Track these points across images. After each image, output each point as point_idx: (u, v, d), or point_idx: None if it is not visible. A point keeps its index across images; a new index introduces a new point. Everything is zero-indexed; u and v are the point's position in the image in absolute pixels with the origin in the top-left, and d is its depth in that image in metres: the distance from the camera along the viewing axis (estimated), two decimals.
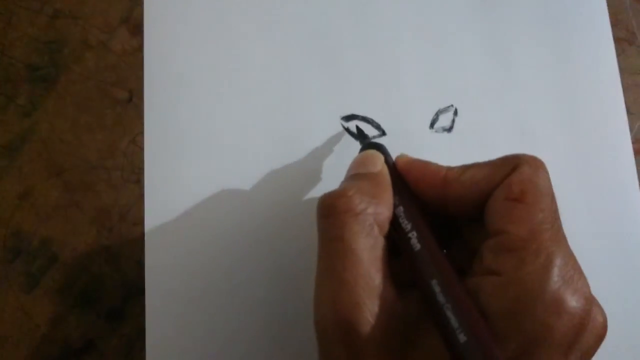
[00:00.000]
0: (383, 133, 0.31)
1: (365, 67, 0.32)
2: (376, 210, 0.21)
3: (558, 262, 0.19)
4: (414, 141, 0.32)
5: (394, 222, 0.22)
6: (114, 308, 0.29)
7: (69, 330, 0.28)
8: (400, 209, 0.22)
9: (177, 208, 0.29)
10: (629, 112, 0.34)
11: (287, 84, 0.31)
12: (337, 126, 0.31)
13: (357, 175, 0.24)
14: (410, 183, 0.24)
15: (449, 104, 0.32)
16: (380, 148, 0.26)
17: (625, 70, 0.34)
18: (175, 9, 0.32)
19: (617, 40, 0.34)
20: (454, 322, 0.18)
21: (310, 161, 0.31)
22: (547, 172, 0.21)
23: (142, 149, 0.30)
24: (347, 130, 0.31)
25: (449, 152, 0.32)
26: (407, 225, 0.22)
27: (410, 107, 0.32)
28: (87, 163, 0.30)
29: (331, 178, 0.30)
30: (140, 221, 0.29)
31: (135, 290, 0.29)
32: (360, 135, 0.30)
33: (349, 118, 0.31)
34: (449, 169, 0.23)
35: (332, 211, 0.21)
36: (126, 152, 0.30)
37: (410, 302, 0.21)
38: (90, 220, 0.29)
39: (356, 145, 0.31)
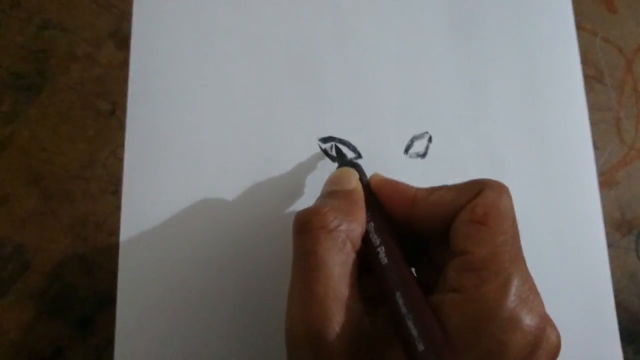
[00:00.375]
0: (359, 156, 0.32)
1: (344, 90, 0.33)
2: (349, 227, 0.22)
3: (515, 282, 0.20)
4: (388, 165, 0.33)
5: (365, 236, 0.23)
6: (85, 317, 0.29)
7: (38, 338, 0.28)
8: (371, 224, 0.23)
9: (154, 221, 0.30)
10: (595, 146, 0.35)
11: (267, 103, 0.32)
12: (314, 147, 0.32)
13: (331, 193, 0.25)
14: (381, 201, 0.25)
15: (424, 131, 0.33)
16: (355, 167, 0.27)
17: (593, 107, 0.36)
18: (162, 26, 0.32)
19: (587, 77, 0.36)
20: (413, 331, 0.19)
21: (286, 178, 0.31)
22: (509, 197, 0.22)
23: (121, 160, 0.30)
24: (324, 151, 0.32)
25: (423, 177, 0.33)
26: (376, 240, 0.23)
27: (386, 132, 0.33)
28: (66, 172, 0.30)
29: (308, 194, 0.31)
30: (115, 232, 0.29)
31: (107, 300, 0.29)
32: (338, 154, 0.31)
33: (326, 140, 0.32)
34: (418, 189, 0.24)
35: (306, 227, 0.22)
36: (106, 164, 0.30)
37: (377, 317, 0.21)
38: (65, 228, 0.30)
39: (334, 164, 0.32)
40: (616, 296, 0.33)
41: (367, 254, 0.23)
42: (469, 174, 0.33)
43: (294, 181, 0.31)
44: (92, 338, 0.29)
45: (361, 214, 0.23)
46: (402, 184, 0.25)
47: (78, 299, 0.29)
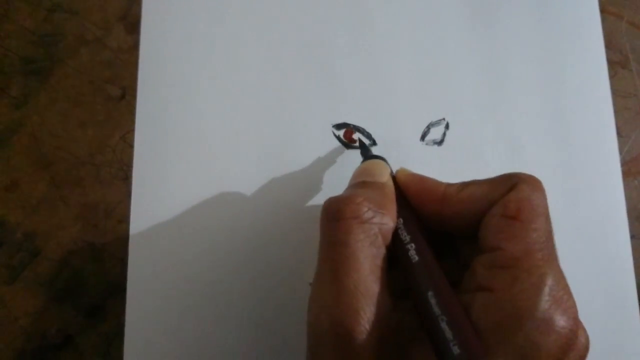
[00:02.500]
0: (374, 143, 0.31)
1: (359, 76, 0.32)
2: (382, 221, 0.21)
3: (549, 282, 0.19)
4: (404, 152, 0.32)
5: (394, 233, 0.22)
6: (95, 305, 0.28)
7: (48, 325, 0.28)
8: (400, 220, 0.22)
9: (164, 207, 0.29)
10: (619, 134, 0.34)
11: (281, 88, 0.32)
12: (329, 134, 0.31)
13: (364, 184, 0.24)
14: (409, 197, 0.24)
15: (441, 118, 0.32)
16: (383, 160, 0.26)
17: (617, 93, 0.34)
18: (172, 9, 0.32)
19: (611, 62, 0.35)
20: (448, 334, 0.18)
21: (299, 167, 0.31)
22: (544, 193, 0.21)
23: (132, 146, 0.30)
24: (338, 137, 0.31)
25: (439, 165, 0.32)
26: (406, 237, 0.22)
27: (402, 119, 0.32)
28: (75, 158, 0.30)
29: (324, 187, 0.31)
30: (125, 219, 0.29)
31: (116, 288, 0.28)
32: (362, 147, 0.30)
33: (340, 126, 0.31)
34: (448, 185, 0.23)
35: (338, 216, 0.21)
36: (116, 149, 0.30)
37: (405, 313, 0.21)
38: (75, 215, 0.29)
39: (347, 157, 0.31)
40: (639, 287, 0.32)
41: (395, 250, 0.22)
42: (487, 161, 0.32)
43: (307, 171, 0.31)
44: (102, 326, 0.28)
45: (393, 209, 0.22)
46: (430, 179, 0.24)
47: (88, 286, 0.29)
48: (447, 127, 0.32)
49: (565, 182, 0.33)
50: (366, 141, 0.31)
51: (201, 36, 0.32)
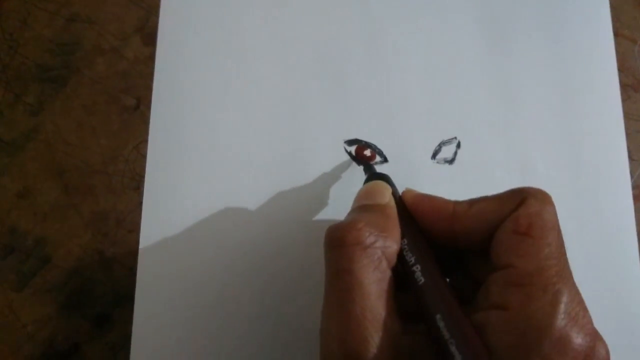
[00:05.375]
0: (385, 160, 0.32)
1: (372, 93, 0.32)
2: (385, 244, 0.21)
3: (564, 299, 0.19)
4: (415, 170, 0.32)
5: (399, 254, 0.22)
6: (103, 313, 0.28)
7: (55, 333, 0.28)
8: (405, 241, 0.22)
9: (175, 218, 0.29)
10: (630, 157, 0.34)
11: (294, 103, 0.32)
12: (340, 149, 0.31)
13: (365, 207, 0.24)
14: (417, 217, 0.24)
15: (452, 136, 0.33)
16: (385, 179, 0.26)
17: (629, 116, 0.34)
18: (189, 22, 0.32)
19: (623, 86, 0.35)
20: (457, 357, 0.18)
21: (310, 182, 0.31)
22: (553, 207, 0.21)
23: (144, 156, 0.30)
24: (350, 154, 0.31)
25: (450, 184, 0.32)
26: (411, 258, 0.22)
27: (413, 137, 0.32)
28: (88, 166, 0.30)
29: (333, 201, 0.31)
30: (136, 228, 0.29)
31: (125, 298, 0.28)
32: (366, 167, 0.30)
33: (352, 142, 0.32)
34: (457, 203, 0.23)
35: (341, 243, 0.21)
36: (128, 159, 0.30)
37: (416, 335, 0.21)
38: (86, 223, 0.29)
39: (358, 173, 0.31)
40: None
41: (402, 271, 0.22)
42: (497, 181, 0.32)
43: (317, 184, 0.31)
44: (109, 335, 0.28)
45: (396, 230, 0.22)
46: (438, 198, 0.24)
47: (96, 295, 0.29)
48: (458, 146, 0.33)
49: (575, 204, 0.33)
50: (378, 159, 0.31)
51: (216, 50, 0.32)
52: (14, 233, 0.29)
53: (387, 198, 0.24)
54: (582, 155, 0.33)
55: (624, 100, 0.34)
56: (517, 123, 0.33)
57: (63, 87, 0.31)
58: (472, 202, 0.22)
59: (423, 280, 0.21)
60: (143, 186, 0.30)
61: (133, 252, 0.29)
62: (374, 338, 0.19)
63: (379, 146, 0.32)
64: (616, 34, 0.35)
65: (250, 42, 0.32)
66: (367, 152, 0.31)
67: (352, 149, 0.31)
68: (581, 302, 0.20)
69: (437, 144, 0.32)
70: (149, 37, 0.32)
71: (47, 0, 0.32)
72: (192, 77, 0.31)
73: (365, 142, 0.32)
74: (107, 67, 0.31)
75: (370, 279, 0.20)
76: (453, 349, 0.18)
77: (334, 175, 0.31)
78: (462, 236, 0.22)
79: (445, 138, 0.32)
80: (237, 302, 0.29)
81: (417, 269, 0.21)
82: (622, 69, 0.35)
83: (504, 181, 0.32)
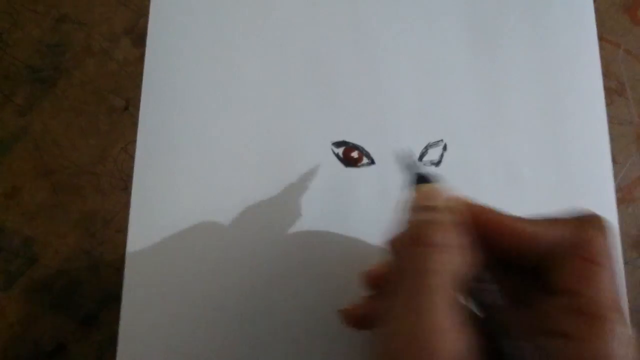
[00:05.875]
0: (372, 162, 0.32)
1: (359, 95, 0.33)
2: (464, 252, 0.20)
3: (634, 335, 0.18)
4: (401, 173, 0.32)
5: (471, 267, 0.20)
6: (89, 314, 0.29)
7: (42, 332, 0.28)
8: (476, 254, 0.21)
9: (162, 219, 0.30)
10: (614, 161, 0.34)
11: (282, 105, 0.32)
12: (328, 150, 0.32)
13: (436, 208, 0.21)
14: (478, 227, 0.21)
15: (439, 139, 0.33)
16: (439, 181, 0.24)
17: (613, 120, 0.35)
18: (179, 24, 0.32)
19: (607, 90, 0.35)
20: None
21: (297, 181, 0.31)
22: (613, 233, 0.20)
23: (132, 157, 0.30)
24: (337, 155, 0.32)
25: None
26: (485, 275, 0.21)
27: (400, 139, 0.33)
28: (76, 167, 0.30)
29: (322, 202, 0.31)
30: (123, 229, 0.29)
31: (111, 298, 0.29)
32: (408, 165, 0.26)
33: (339, 144, 0.32)
34: (516, 219, 0.21)
35: (426, 241, 0.19)
36: (117, 159, 0.30)
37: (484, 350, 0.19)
38: (74, 223, 0.29)
39: (345, 175, 0.31)
40: (632, 315, 0.32)
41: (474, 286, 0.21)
42: (484, 184, 0.33)
43: (305, 185, 0.31)
44: (95, 335, 0.28)
45: (469, 238, 0.20)
46: (498, 211, 0.22)
47: (83, 294, 0.29)
48: (445, 148, 0.33)
49: (560, 207, 0.33)
50: (365, 160, 0.31)
51: (205, 52, 0.32)
52: (1, 232, 0.29)
53: (454, 201, 0.22)
54: (566, 159, 0.34)
55: (608, 105, 0.35)
56: (503, 126, 0.34)
57: (52, 87, 0.31)
58: (531, 221, 0.21)
59: (499, 301, 0.20)
60: (131, 187, 0.30)
61: (120, 253, 0.29)
62: (443, 351, 0.18)
63: (366, 148, 0.32)
64: (600, 38, 0.36)
65: (239, 43, 0.33)
66: (355, 154, 0.32)
67: (340, 150, 0.32)
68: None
69: (424, 146, 0.33)
70: (139, 39, 0.32)
71: (37, 2, 0.32)
72: (181, 78, 0.31)
73: (353, 144, 0.32)
74: (97, 68, 0.31)
75: (447, 286, 0.19)
76: None
77: (322, 172, 0.31)
78: (516, 253, 0.21)
79: (432, 140, 0.33)
80: (224, 303, 0.29)
81: (487, 287, 0.20)
82: (606, 74, 0.35)
83: (490, 184, 0.33)
